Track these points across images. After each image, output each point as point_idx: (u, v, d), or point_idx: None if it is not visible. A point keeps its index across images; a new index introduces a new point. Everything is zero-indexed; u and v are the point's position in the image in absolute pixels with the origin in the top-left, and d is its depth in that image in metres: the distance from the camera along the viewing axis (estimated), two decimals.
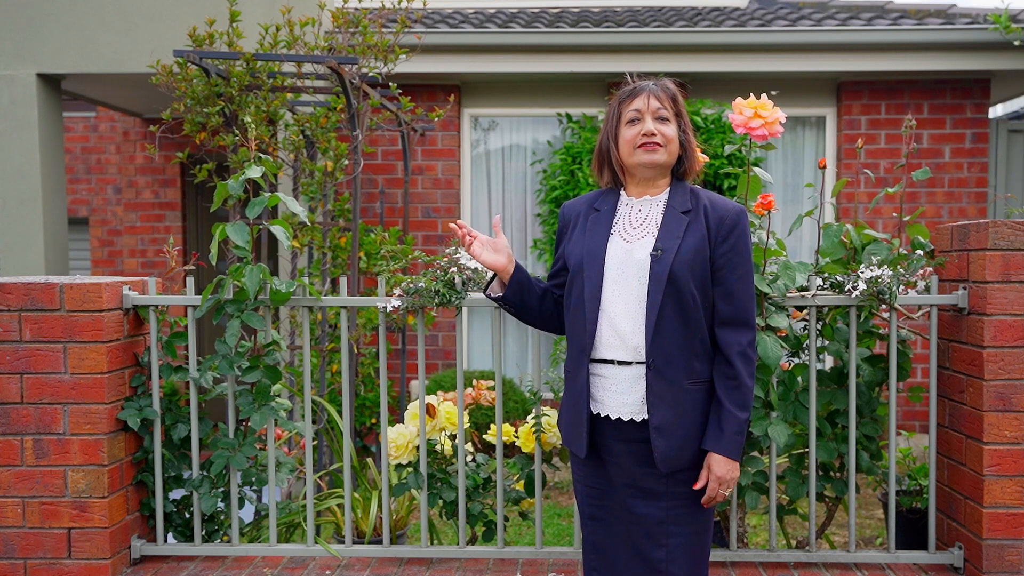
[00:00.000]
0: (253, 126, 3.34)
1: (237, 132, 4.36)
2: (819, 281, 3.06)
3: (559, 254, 2.44)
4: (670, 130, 2.26)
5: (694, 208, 2.27)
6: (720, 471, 2.20)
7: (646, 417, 2.21)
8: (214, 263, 3.06)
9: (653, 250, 2.21)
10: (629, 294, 2.21)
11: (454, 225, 2.49)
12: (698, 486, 2.23)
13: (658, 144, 2.24)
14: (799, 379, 3.15)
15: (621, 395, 2.23)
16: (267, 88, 4.40)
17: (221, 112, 4.38)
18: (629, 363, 2.21)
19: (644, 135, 2.24)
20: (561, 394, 3.54)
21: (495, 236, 2.46)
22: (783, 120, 2.85)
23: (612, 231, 2.30)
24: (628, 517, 2.26)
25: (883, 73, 6.39)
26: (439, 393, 3.48)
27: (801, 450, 3.24)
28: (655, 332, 2.17)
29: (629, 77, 2.36)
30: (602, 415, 2.26)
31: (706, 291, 2.22)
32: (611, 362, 2.23)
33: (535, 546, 3.19)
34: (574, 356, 2.30)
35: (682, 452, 2.21)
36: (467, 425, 3.80)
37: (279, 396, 3.23)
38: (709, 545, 2.32)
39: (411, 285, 3.01)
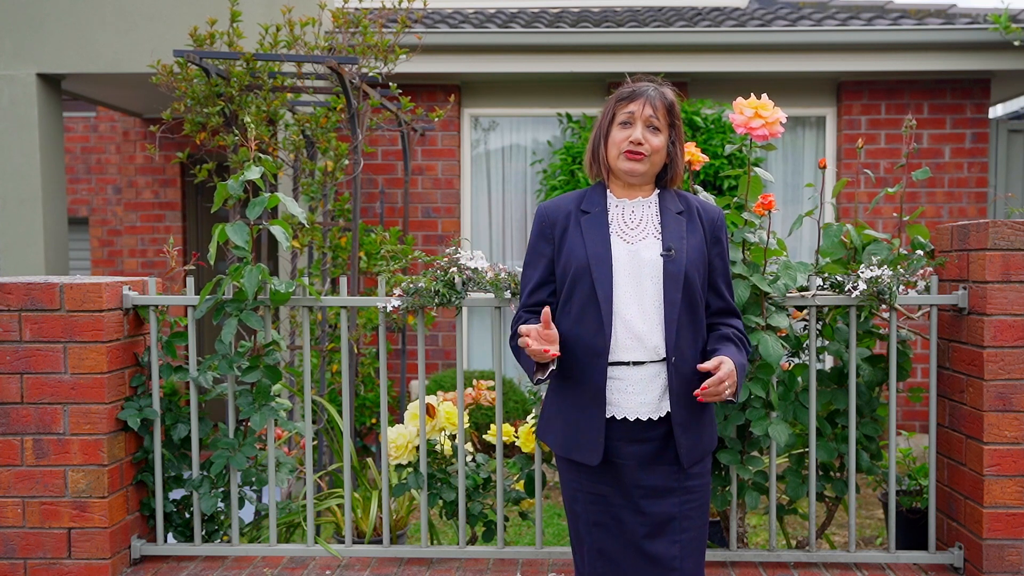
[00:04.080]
0: (253, 126, 3.34)
1: (237, 132, 4.36)
2: (819, 281, 3.06)
3: (548, 259, 2.32)
4: (658, 140, 2.25)
5: (687, 209, 2.31)
6: (729, 368, 2.14)
7: (662, 415, 2.22)
8: (212, 263, 3.06)
9: (664, 250, 2.22)
10: (643, 295, 2.20)
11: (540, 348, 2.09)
12: (704, 367, 2.13)
13: (642, 154, 2.24)
14: (799, 379, 3.15)
15: (638, 395, 2.21)
16: (267, 88, 4.40)
17: (221, 112, 4.38)
18: (643, 362, 2.21)
19: (631, 142, 2.23)
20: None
21: (547, 328, 2.14)
22: (783, 120, 2.85)
23: (610, 232, 2.27)
24: (637, 519, 2.23)
25: (883, 73, 6.39)
26: (439, 393, 3.48)
27: (801, 450, 3.24)
28: (677, 330, 2.19)
29: (629, 78, 2.34)
30: (617, 418, 2.23)
31: (705, 289, 2.29)
32: (627, 363, 2.21)
33: (535, 546, 3.19)
34: (581, 360, 2.23)
35: (698, 444, 2.26)
36: (467, 425, 3.80)
37: (279, 396, 3.23)
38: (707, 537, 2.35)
39: (411, 285, 3.01)
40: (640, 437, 2.23)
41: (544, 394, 2.42)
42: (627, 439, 2.23)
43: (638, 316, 2.20)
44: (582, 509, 2.29)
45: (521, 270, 3.02)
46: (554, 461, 3.37)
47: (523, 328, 2.15)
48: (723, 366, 2.14)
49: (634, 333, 2.20)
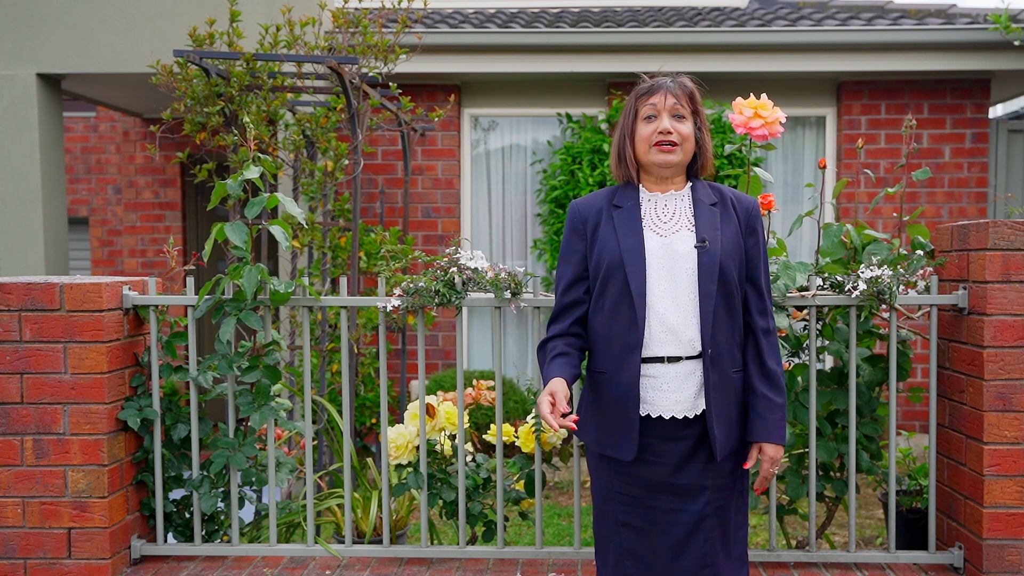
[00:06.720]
0: (253, 126, 3.34)
1: (237, 132, 4.36)
2: (819, 281, 3.06)
3: (581, 255, 2.32)
4: (686, 128, 2.25)
5: (720, 201, 2.29)
6: (772, 453, 2.26)
7: (698, 413, 2.21)
8: (206, 260, 3.06)
9: (698, 242, 2.21)
10: (677, 288, 2.20)
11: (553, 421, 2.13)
12: (748, 465, 2.27)
13: (674, 143, 2.23)
14: (799, 379, 3.15)
15: (674, 393, 2.21)
16: (267, 88, 4.40)
17: (221, 112, 4.38)
18: (679, 359, 2.20)
19: (660, 133, 2.22)
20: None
21: (562, 406, 2.16)
22: (783, 120, 2.85)
23: (643, 226, 2.26)
24: (668, 517, 2.23)
25: (883, 73, 6.39)
26: (439, 393, 3.48)
27: (801, 450, 3.24)
28: (713, 323, 2.18)
29: (646, 76, 2.33)
30: (652, 416, 2.23)
31: (741, 281, 2.27)
32: (661, 360, 2.21)
33: (535, 546, 3.19)
34: (615, 356, 2.23)
35: (730, 438, 2.25)
36: (467, 425, 3.80)
37: (279, 396, 3.23)
38: (747, 534, 2.34)
39: (411, 285, 3.01)
40: (675, 435, 2.22)
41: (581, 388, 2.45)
42: (662, 437, 2.23)
43: (672, 309, 2.19)
44: (613, 509, 2.29)
45: (521, 270, 3.03)
46: (554, 461, 3.38)
47: (543, 399, 2.15)
48: (763, 463, 2.26)
49: (668, 327, 2.19)
